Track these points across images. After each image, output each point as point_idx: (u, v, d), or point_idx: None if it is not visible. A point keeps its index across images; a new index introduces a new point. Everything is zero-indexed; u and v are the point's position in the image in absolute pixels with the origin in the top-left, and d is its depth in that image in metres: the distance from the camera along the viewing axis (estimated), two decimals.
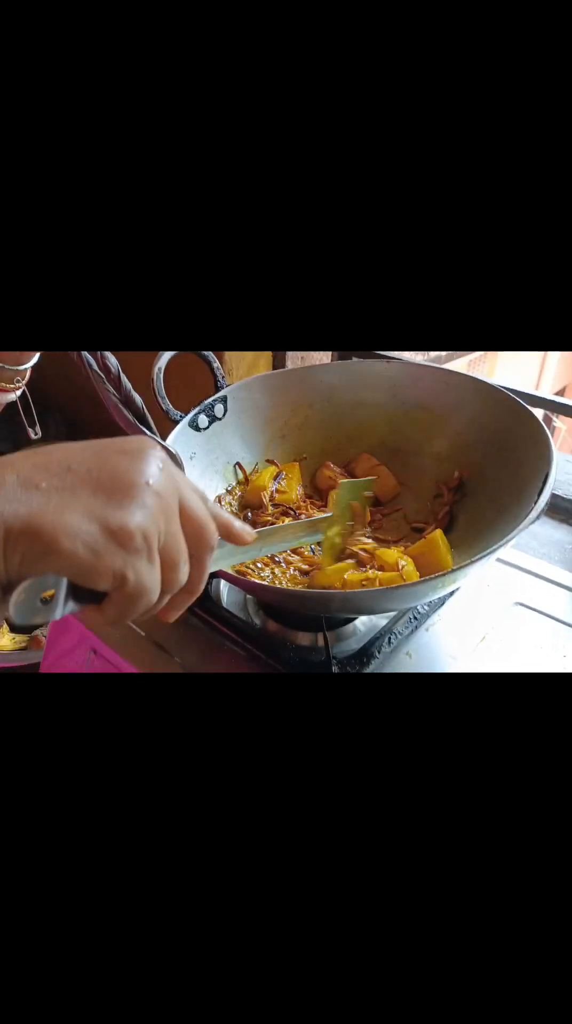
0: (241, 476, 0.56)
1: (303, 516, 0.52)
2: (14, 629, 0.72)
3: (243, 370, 0.85)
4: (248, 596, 0.53)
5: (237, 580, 0.41)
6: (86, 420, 1.22)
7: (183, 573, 0.23)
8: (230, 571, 0.45)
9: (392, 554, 0.43)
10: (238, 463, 0.56)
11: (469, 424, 0.53)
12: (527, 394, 0.57)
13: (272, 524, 0.49)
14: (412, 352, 0.99)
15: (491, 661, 0.42)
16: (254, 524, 0.50)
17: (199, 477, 0.53)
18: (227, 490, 0.55)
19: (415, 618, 0.46)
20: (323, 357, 0.92)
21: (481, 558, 0.35)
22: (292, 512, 0.51)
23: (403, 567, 0.42)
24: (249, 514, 0.53)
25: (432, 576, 0.35)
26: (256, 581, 0.44)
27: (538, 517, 0.37)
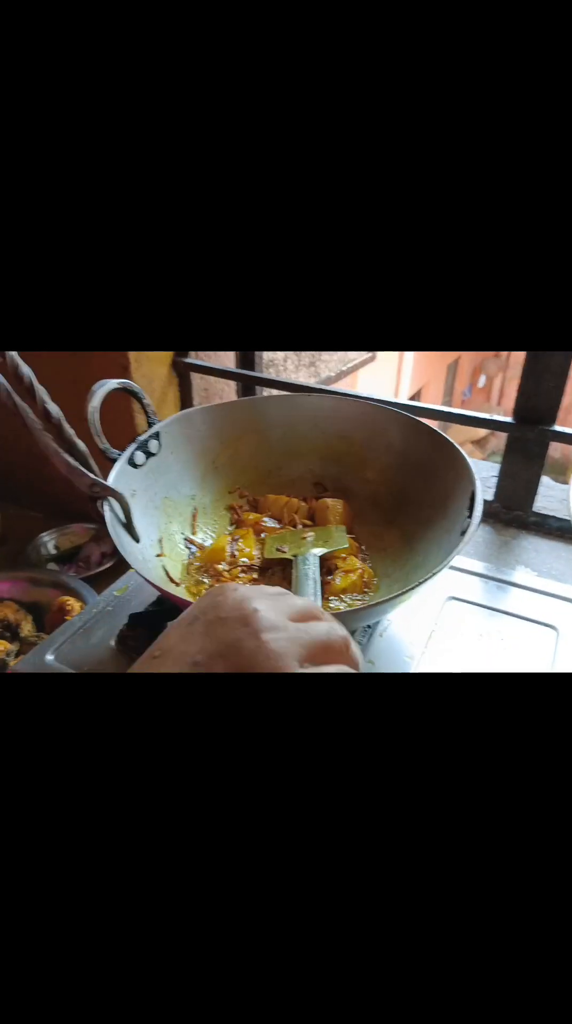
0: (194, 549, 0.56)
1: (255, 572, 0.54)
2: None
3: (154, 397, 0.84)
4: None
5: (173, 598, 0.42)
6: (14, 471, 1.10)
7: None
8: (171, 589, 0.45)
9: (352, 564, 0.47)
10: (187, 538, 0.56)
11: (387, 450, 0.59)
12: (434, 409, 0.65)
13: (232, 580, 0.50)
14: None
15: (443, 654, 0.48)
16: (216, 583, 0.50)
17: (142, 515, 0.53)
18: (186, 561, 0.54)
19: (368, 627, 0.51)
20: (226, 388, 0.94)
21: (439, 570, 0.41)
22: (255, 568, 0.53)
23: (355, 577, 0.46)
24: (205, 578, 0.53)
25: (399, 592, 0.39)
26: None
27: (476, 530, 0.43)
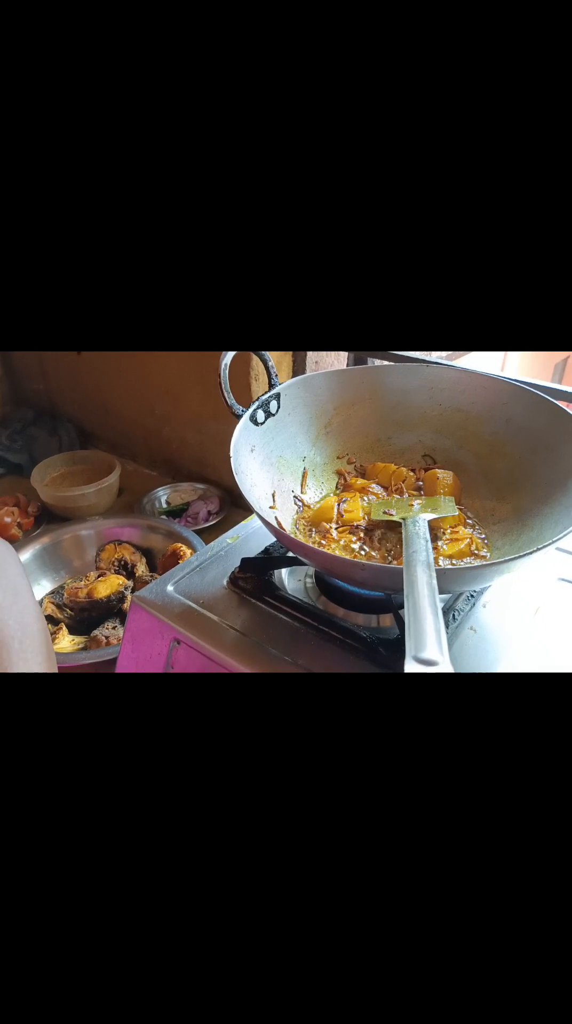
0: (300, 505, 0.59)
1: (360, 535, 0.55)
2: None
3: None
4: (307, 582, 0.56)
5: (322, 555, 0.44)
6: (97, 428, 1.22)
7: None
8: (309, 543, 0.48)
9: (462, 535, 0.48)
10: (296, 496, 0.59)
11: (506, 425, 0.58)
12: (555, 388, 0.63)
13: (338, 541, 0.52)
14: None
15: (548, 633, 0.47)
16: (324, 539, 0.53)
17: (258, 468, 0.56)
18: (295, 517, 0.57)
19: (472, 596, 0.51)
20: (336, 361, 0.96)
21: (556, 541, 0.40)
22: (359, 529, 0.54)
23: (474, 549, 0.46)
24: (313, 532, 0.55)
25: (516, 555, 0.39)
26: (341, 556, 0.47)
27: None
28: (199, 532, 0.88)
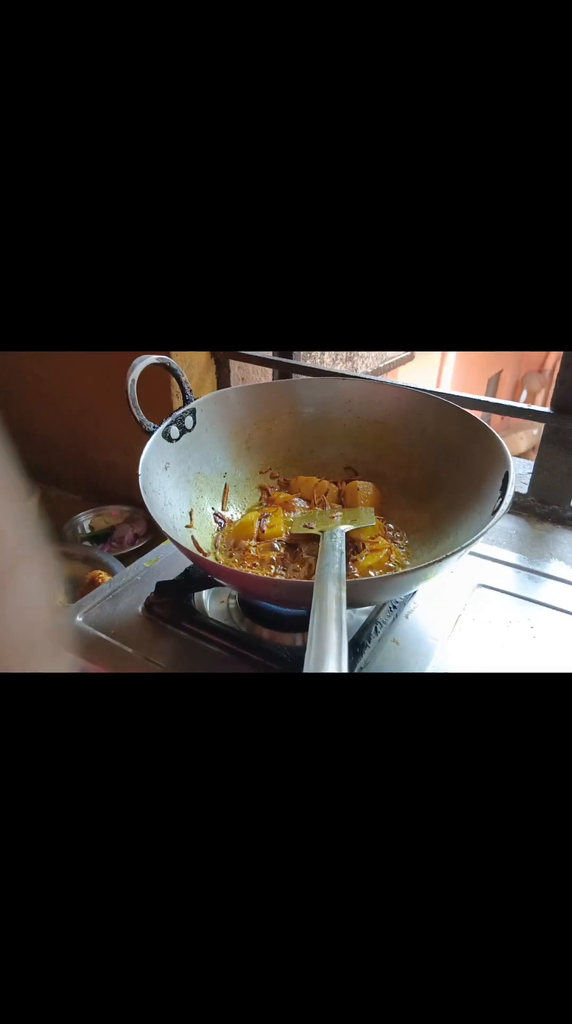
0: (223, 523, 0.57)
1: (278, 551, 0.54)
2: None
3: (193, 383, 0.86)
4: (230, 603, 0.54)
5: (231, 574, 0.42)
6: (17, 452, 1.15)
7: None
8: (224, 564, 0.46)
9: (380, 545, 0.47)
10: (217, 512, 0.57)
11: (421, 435, 0.59)
12: (468, 398, 0.64)
13: (259, 558, 0.51)
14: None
15: (470, 639, 0.47)
16: (243, 557, 0.51)
17: (173, 487, 0.54)
18: (214, 534, 0.55)
19: (394, 607, 0.50)
20: (262, 378, 0.96)
21: (470, 543, 0.40)
22: (282, 543, 0.53)
23: (388, 557, 0.46)
24: (233, 552, 0.53)
25: (427, 563, 0.39)
26: (253, 574, 0.45)
27: (507, 509, 0.43)
28: (125, 556, 0.84)
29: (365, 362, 1.21)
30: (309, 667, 0.25)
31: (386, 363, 1.27)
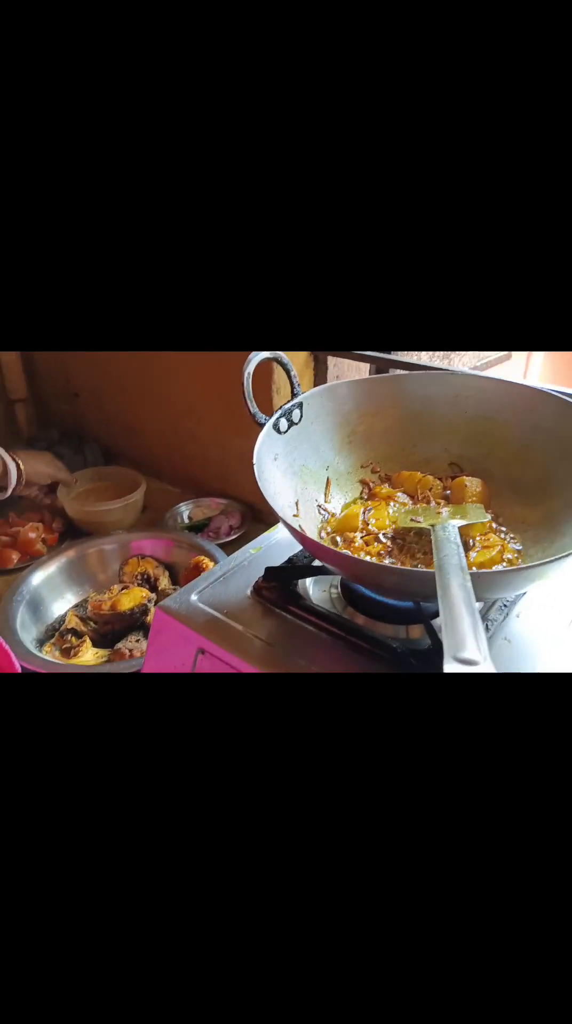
0: (326, 515, 0.58)
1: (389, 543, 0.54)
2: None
3: (288, 390, 0.89)
4: (332, 592, 0.55)
5: (347, 559, 0.43)
6: (121, 447, 1.24)
7: None
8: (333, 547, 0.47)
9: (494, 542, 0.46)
10: (320, 504, 0.58)
11: (534, 431, 0.57)
12: None
13: (364, 549, 0.51)
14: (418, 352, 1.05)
15: None
16: (349, 549, 0.52)
17: (281, 477, 0.56)
18: (319, 525, 0.56)
19: (505, 605, 0.49)
20: (356, 373, 0.96)
21: None
22: (388, 537, 0.53)
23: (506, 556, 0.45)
24: (338, 541, 0.54)
25: (554, 557, 0.38)
26: (369, 560, 0.46)
27: None
28: (220, 546, 0.88)
29: (462, 360, 1.17)
30: (449, 651, 0.25)
31: (483, 362, 1.23)
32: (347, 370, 0.96)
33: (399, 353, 0.86)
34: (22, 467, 0.84)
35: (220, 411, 1.01)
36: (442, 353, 1.17)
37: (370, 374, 0.90)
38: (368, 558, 0.50)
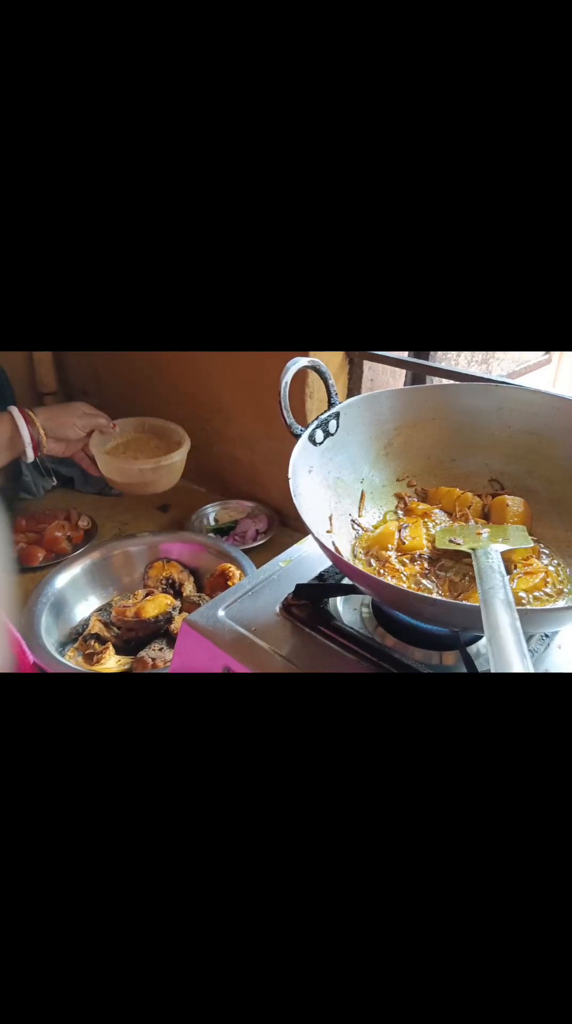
0: (358, 530, 0.56)
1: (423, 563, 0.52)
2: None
3: (322, 393, 0.86)
4: (363, 611, 0.53)
5: (385, 587, 0.41)
6: None
7: None
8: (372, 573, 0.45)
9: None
10: (354, 520, 0.56)
11: None
12: None
13: (397, 571, 0.49)
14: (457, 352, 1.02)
15: None
16: (384, 568, 0.50)
17: (316, 490, 0.54)
18: (352, 542, 0.54)
19: (546, 635, 0.46)
20: (391, 379, 0.94)
21: None
22: (422, 559, 0.51)
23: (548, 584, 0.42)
24: (371, 560, 0.52)
25: None
26: (408, 590, 0.44)
27: None
28: (247, 551, 0.87)
29: (501, 364, 1.14)
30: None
31: (523, 366, 1.19)
32: (381, 374, 0.94)
33: (437, 358, 0.83)
34: (38, 422, 0.76)
35: (250, 412, 0.99)
36: (481, 357, 1.14)
37: (406, 381, 0.88)
38: (404, 585, 0.48)
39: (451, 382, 0.77)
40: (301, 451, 0.53)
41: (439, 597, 0.45)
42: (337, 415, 0.57)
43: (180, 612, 0.74)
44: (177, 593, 0.79)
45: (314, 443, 0.55)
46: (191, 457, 1.18)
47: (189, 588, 0.79)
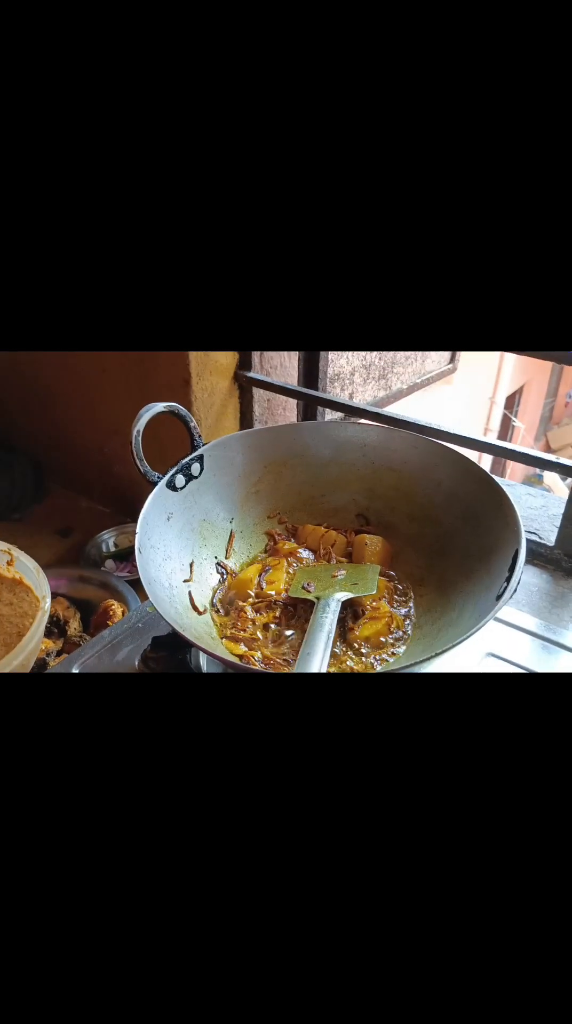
0: (224, 573, 0.56)
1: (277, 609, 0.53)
2: None
3: (211, 419, 0.85)
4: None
5: (208, 652, 0.41)
6: (51, 461, 1.18)
7: None
8: (225, 654, 0.45)
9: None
10: (220, 562, 0.56)
11: (436, 488, 0.56)
12: (498, 446, 0.61)
13: (251, 618, 0.50)
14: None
15: None
16: (238, 618, 0.50)
17: (175, 538, 0.53)
18: (214, 587, 0.54)
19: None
20: (285, 411, 0.94)
21: (467, 637, 0.37)
22: (277, 603, 0.52)
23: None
24: (224, 609, 0.52)
25: (420, 659, 0.37)
26: (232, 660, 0.44)
27: (512, 596, 0.39)
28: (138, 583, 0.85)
29: (400, 379, 1.16)
30: None
31: (424, 377, 1.21)
32: (276, 397, 0.94)
33: (327, 383, 0.84)
34: None
35: (146, 434, 0.97)
36: (379, 371, 1.15)
37: (298, 410, 0.88)
38: (247, 635, 0.48)
39: (313, 422, 0.79)
40: (154, 501, 0.52)
41: (259, 668, 0.46)
42: (201, 458, 0.57)
43: (59, 655, 0.72)
44: (62, 632, 0.76)
45: (174, 489, 0.55)
46: (94, 479, 1.15)
47: (74, 626, 0.77)
